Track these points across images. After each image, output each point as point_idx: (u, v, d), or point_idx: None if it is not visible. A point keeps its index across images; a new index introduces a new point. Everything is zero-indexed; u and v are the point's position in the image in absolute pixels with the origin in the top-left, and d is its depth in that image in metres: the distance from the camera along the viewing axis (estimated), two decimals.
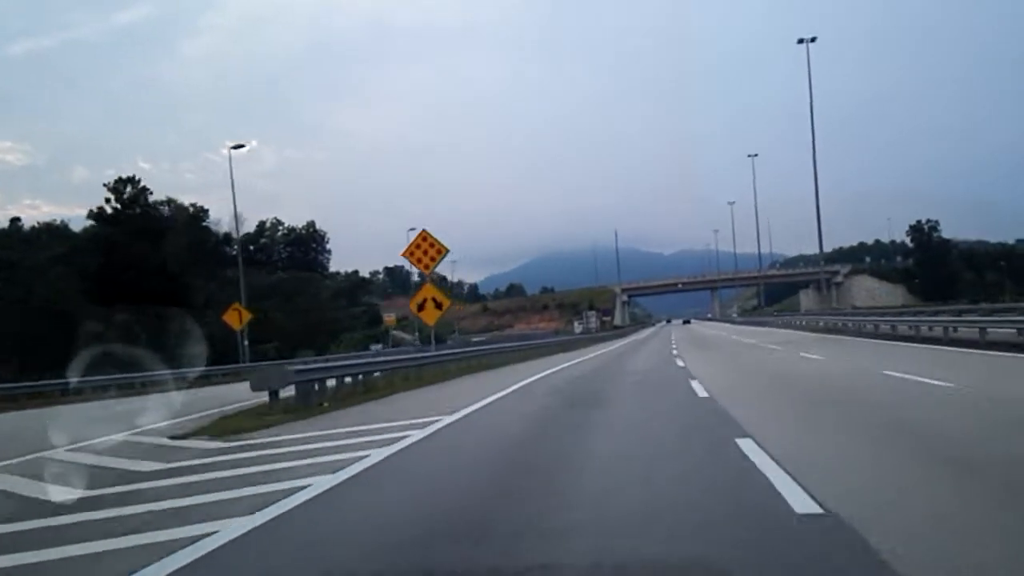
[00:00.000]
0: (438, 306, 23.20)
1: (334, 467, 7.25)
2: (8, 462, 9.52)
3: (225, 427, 11.52)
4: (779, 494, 4.95)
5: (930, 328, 25.39)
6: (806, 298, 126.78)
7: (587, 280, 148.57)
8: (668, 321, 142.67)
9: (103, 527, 5.41)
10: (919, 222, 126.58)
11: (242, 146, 44.26)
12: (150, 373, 28.15)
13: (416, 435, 9.21)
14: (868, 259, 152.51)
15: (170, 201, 78.97)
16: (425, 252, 23.19)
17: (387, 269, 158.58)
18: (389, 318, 54.07)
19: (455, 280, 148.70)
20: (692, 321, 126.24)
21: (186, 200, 74.73)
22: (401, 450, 8.19)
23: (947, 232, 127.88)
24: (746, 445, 6.90)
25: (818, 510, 4.49)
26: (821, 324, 44.00)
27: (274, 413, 12.78)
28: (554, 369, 22.42)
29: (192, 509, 5.80)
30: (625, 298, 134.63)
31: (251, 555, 4.55)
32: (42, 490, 7.20)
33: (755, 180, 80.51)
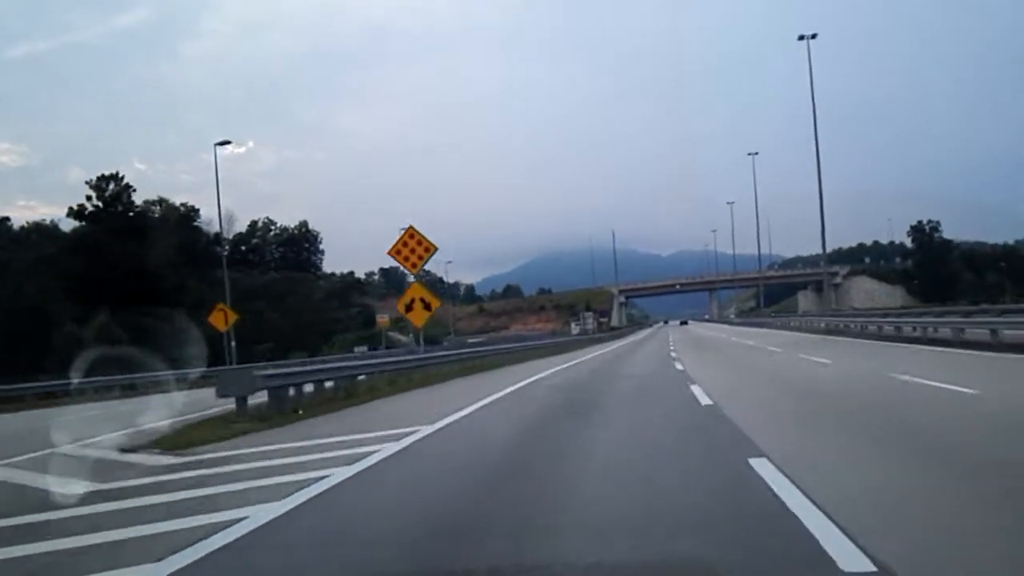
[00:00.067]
0: (426, 307, 22.22)
1: (285, 491, 6.26)
2: None
3: (184, 438, 10.51)
4: (813, 537, 3.96)
5: (935, 329, 24.46)
6: (804, 299, 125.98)
7: (585, 281, 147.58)
8: (665, 322, 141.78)
9: None
10: (920, 222, 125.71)
11: (228, 143, 43.21)
12: (129, 376, 27.11)
13: (388, 449, 8.23)
14: (867, 260, 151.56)
15: (161, 201, 78.01)
16: (412, 250, 22.21)
17: (383, 270, 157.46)
18: (382, 319, 53.00)
19: (452, 281, 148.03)
20: (689, 322, 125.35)
21: (181, 201, 73.93)
22: (367, 469, 7.20)
23: (947, 233, 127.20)
24: (763, 468, 5.91)
25: (870, 567, 3.49)
26: (822, 325, 43.09)
27: (241, 421, 11.79)
28: (547, 372, 21.43)
29: (99, 549, 4.81)
30: (622, 299, 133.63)
31: None
32: None
33: (755, 179, 79.60)
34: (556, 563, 3.96)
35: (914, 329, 26.44)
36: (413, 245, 22.18)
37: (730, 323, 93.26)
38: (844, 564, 3.54)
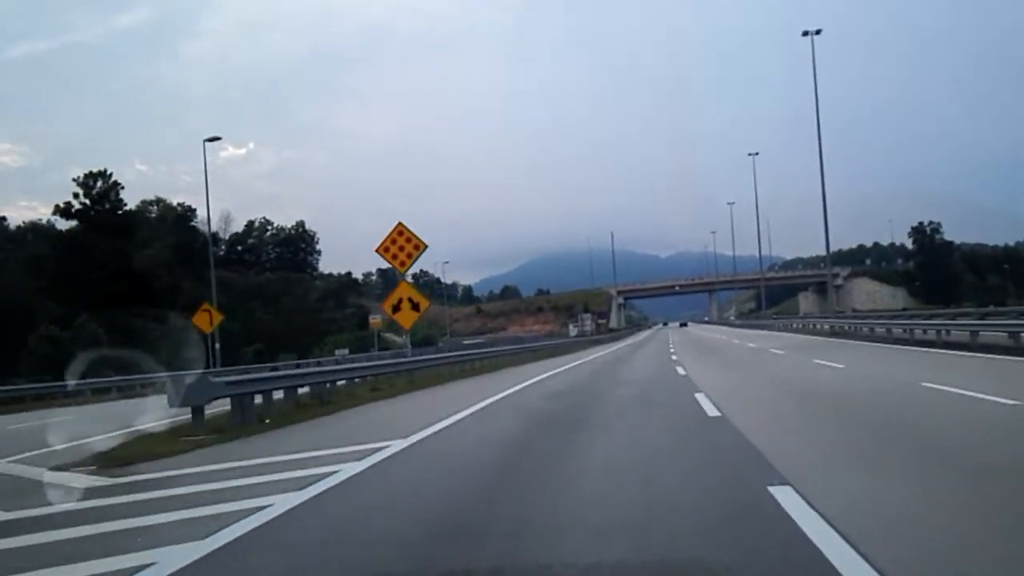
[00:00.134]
0: (415, 307, 21.09)
1: (208, 527, 5.14)
2: None
3: (126, 453, 9.39)
4: None
5: (948, 332, 23.38)
6: (805, 301, 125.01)
7: (583, 282, 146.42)
8: (665, 324, 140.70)
9: None
10: (921, 224, 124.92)
11: (218, 138, 42.03)
12: (103, 380, 25.93)
13: (347, 470, 7.10)
14: (868, 261, 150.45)
15: (158, 200, 77.05)
16: (401, 248, 21.11)
17: (380, 271, 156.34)
18: (375, 320, 51.70)
19: (449, 281, 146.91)
20: (689, 324, 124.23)
21: (180, 201, 73.06)
22: (316, 497, 6.07)
23: (948, 234, 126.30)
24: (788, 500, 4.81)
25: None
26: (826, 328, 42.00)
27: (196, 434, 10.64)
28: (542, 376, 20.29)
29: None
30: (621, 300, 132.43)
31: None
32: None
33: (756, 179, 78.31)
34: None
35: (925, 332, 25.42)
36: (402, 242, 21.09)
37: (730, 325, 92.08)
38: None
